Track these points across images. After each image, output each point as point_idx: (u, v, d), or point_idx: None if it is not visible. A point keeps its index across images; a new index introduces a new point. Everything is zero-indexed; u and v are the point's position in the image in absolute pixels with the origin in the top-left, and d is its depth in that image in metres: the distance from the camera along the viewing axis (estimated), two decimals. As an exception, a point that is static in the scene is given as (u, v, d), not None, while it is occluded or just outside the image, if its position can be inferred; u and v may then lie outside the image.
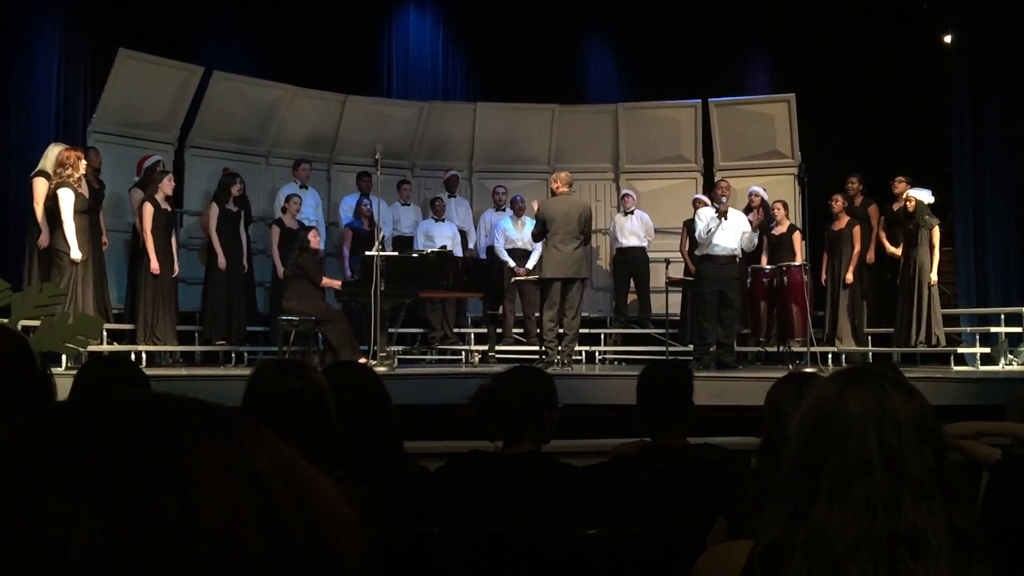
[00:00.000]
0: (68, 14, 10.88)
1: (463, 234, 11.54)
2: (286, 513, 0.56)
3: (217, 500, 0.54)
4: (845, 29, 12.36)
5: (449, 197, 11.67)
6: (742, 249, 9.42)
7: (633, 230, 11.42)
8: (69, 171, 8.18)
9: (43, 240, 8.33)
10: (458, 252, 10.81)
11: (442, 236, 10.95)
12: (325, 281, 9.33)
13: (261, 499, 0.55)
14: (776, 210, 10.43)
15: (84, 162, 8.43)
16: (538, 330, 10.10)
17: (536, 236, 9.35)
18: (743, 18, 13.02)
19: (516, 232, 10.96)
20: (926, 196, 9.77)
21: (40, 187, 8.35)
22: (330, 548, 0.57)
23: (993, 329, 10.00)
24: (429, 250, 9.89)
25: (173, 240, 9.47)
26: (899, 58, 12.19)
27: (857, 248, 10.26)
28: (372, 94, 12.63)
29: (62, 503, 0.51)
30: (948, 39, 11.66)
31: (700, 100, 12.11)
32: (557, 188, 9.16)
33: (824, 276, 10.46)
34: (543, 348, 9.06)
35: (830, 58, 12.34)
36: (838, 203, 10.34)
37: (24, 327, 6.44)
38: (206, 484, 0.54)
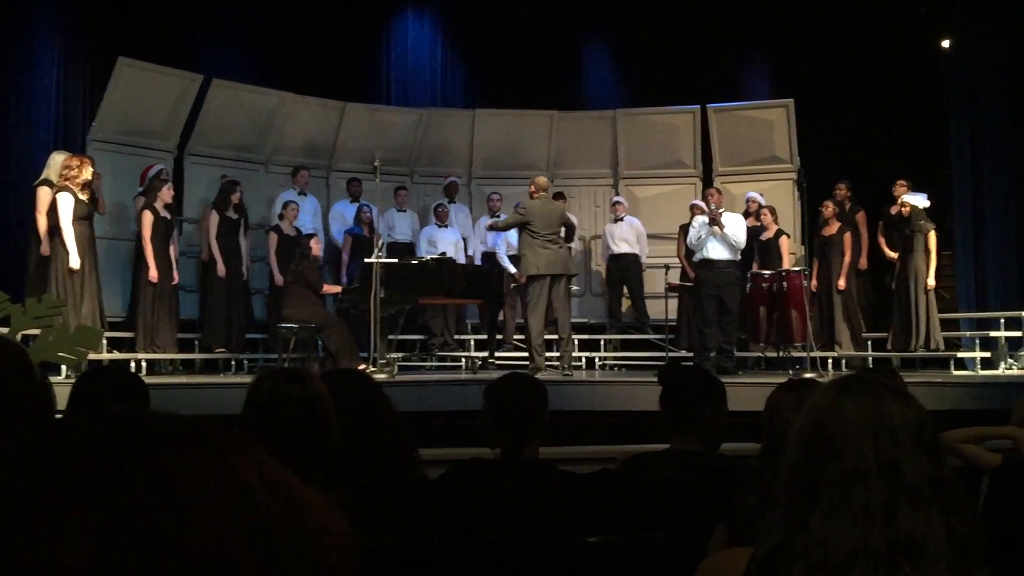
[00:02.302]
0: (67, 22, 10.90)
1: (465, 240, 11.54)
2: (275, 529, 0.56)
3: (206, 517, 0.54)
4: (844, 35, 12.38)
5: (449, 203, 11.68)
6: (739, 251, 9.41)
7: (624, 236, 11.45)
8: (75, 172, 8.17)
9: (45, 248, 8.31)
10: (460, 259, 10.82)
11: (445, 242, 10.97)
12: (326, 288, 9.33)
13: (250, 515, 0.55)
14: (764, 216, 10.44)
15: (91, 168, 8.42)
16: (521, 336, 10.07)
17: (506, 227, 9.43)
18: (742, 24, 13.05)
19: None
20: (921, 201, 9.78)
21: (44, 196, 8.33)
22: (320, 562, 0.57)
23: (993, 333, 9.99)
24: (429, 256, 9.89)
25: (172, 248, 9.46)
26: (898, 63, 12.21)
27: (848, 256, 10.27)
28: (371, 101, 12.65)
29: (52, 523, 0.51)
30: (946, 44, 11.68)
31: (699, 106, 12.13)
32: (534, 193, 9.20)
33: (815, 282, 10.41)
34: (531, 354, 9.01)
35: (829, 63, 12.37)
36: (828, 209, 10.37)
37: (23, 336, 6.43)
38: (195, 502, 0.54)
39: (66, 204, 8.09)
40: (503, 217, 11.40)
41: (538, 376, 8.23)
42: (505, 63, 13.18)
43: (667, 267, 10.56)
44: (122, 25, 11.11)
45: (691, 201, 11.19)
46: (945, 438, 3.61)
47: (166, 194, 9.35)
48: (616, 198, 11.81)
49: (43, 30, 10.70)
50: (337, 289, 9.51)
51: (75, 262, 8.11)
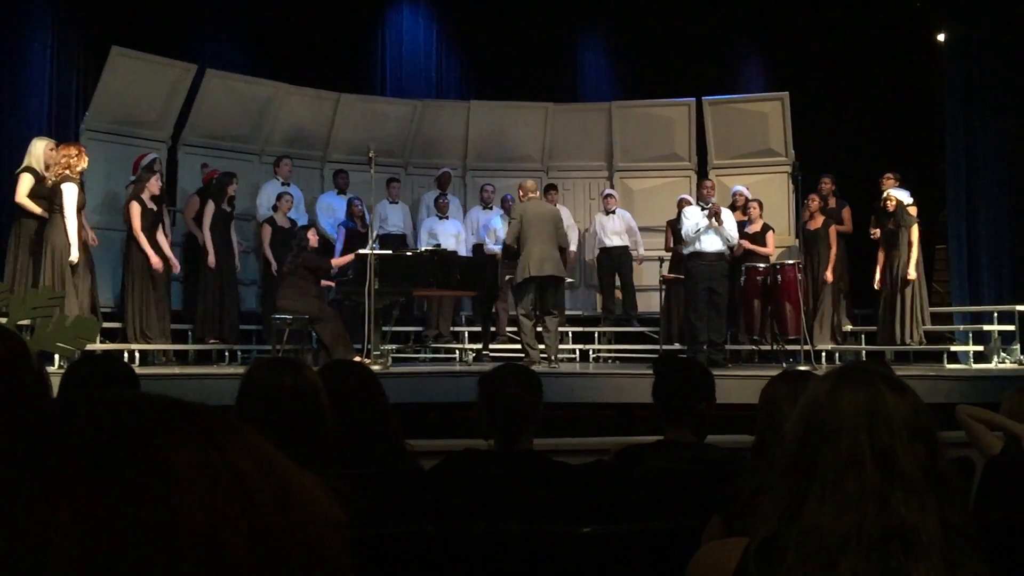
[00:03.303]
0: (61, 12, 10.85)
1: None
2: (268, 511, 0.55)
3: (198, 500, 0.53)
4: (839, 27, 12.38)
5: (444, 195, 11.66)
6: (729, 247, 9.46)
7: (616, 229, 11.47)
8: (75, 161, 8.13)
9: (63, 242, 8.23)
10: (462, 250, 10.85)
11: (447, 234, 10.97)
12: (335, 261, 9.34)
13: (242, 498, 0.55)
14: (752, 209, 10.47)
15: (87, 157, 8.40)
16: (514, 328, 10.10)
17: (510, 241, 9.16)
18: (737, 16, 13.05)
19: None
20: (904, 196, 9.83)
21: (24, 182, 8.26)
22: (313, 546, 0.57)
23: (986, 327, 10.01)
24: (422, 248, 9.90)
25: (161, 238, 9.41)
26: (893, 56, 12.22)
27: (834, 248, 10.31)
28: (365, 92, 12.62)
29: (42, 506, 0.51)
30: (941, 37, 11.68)
31: (694, 98, 12.12)
32: (524, 196, 9.21)
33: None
34: (524, 348, 9.05)
35: (824, 56, 12.37)
36: (814, 203, 10.41)
37: (19, 326, 6.43)
38: (187, 484, 0.54)
39: (71, 194, 8.05)
40: (496, 210, 11.45)
41: (533, 368, 8.27)
42: (500, 55, 13.17)
43: (661, 260, 10.56)
44: (116, 14, 11.07)
45: (679, 196, 11.19)
46: (959, 410, 3.68)
47: (154, 185, 9.29)
48: (608, 191, 11.82)
49: (36, 19, 10.66)
50: (349, 258, 9.43)
51: (74, 255, 8.08)
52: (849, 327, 10.76)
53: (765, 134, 11.93)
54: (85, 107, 10.42)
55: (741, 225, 10.35)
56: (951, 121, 11.26)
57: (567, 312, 11.42)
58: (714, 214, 9.16)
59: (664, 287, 10.56)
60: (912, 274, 9.68)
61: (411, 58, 13.51)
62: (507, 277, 10.58)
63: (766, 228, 10.40)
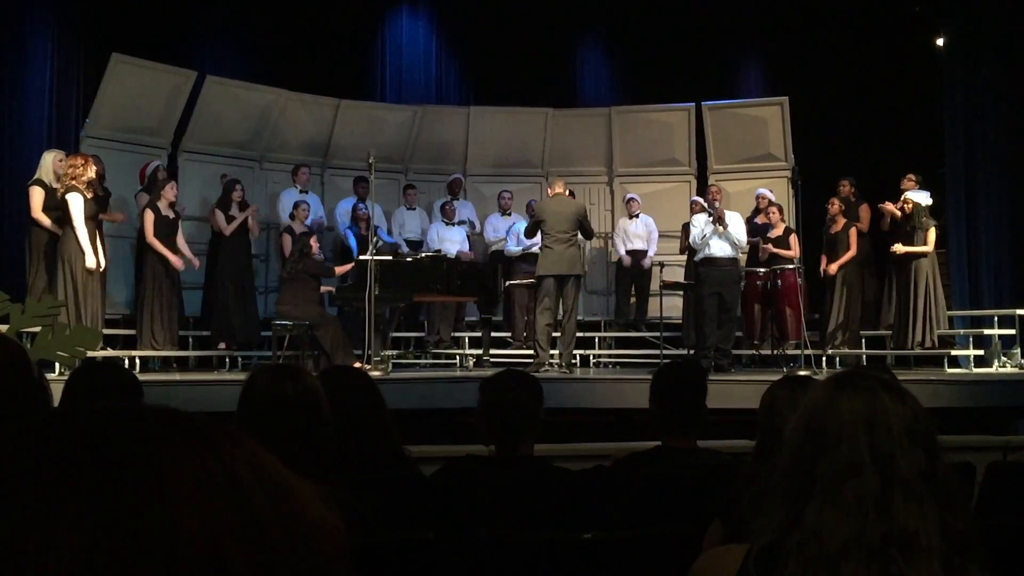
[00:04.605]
0: (61, 19, 10.88)
1: (469, 238, 11.52)
2: (267, 522, 0.55)
3: (197, 511, 0.53)
4: (838, 32, 12.39)
5: (454, 200, 11.67)
6: (740, 250, 9.45)
7: (638, 233, 11.47)
8: (80, 171, 8.16)
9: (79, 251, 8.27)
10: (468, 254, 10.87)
11: (451, 240, 10.96)
12: (338, 269, 9.38)
13: (241, 509, 0.55)
14: (772, 213, 10.43)
15: (94, 166, 8.42)
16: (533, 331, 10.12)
17: (528, 233, 9.56)
18: (736, 21, 13.06)
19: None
20: (924, 198, 9.78)
21: (36, 196, 8.33)
22: (312, 556, 0.57)
23: (987, 331, 10.00)
24: (423, 254, 9.91)
25: (181, 242, 9.45)
26: (892, 61, 12.23)
27: (854, 249, 10.25)
28: (366, 98, 12.63)
29: (40, 519, 0.51)
30: (940, 42, 11.69)
31: (693, 103, 12.13)
32: (551, 191, 9.32)
33: (823, 277, 10.37)
34: (536, 351, 9.09)
35: (823, 61, 12.38)
36: (834, 206, 10.34)
37: (20, 333, 6.44)
38: (185, 495, 0.54)
39: (76, 204, 8.07)
40: (514, 216, 11.48)
41: (540, 372, 8.31)
42: (500, 60, 13.18)
43: (662, 264, 10.55)
44: (116, 21, 11.09)
45: (690, 198, 11.20)
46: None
47: (169, 192, 9.35)
48: (631, 195, 11.79)
49: (37, 26, 10.68)
50: (350, 265, 9.48)
51: (91, 262, 8.12)
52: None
53: (765, 139, 11.94)
54: (85, 114, 10.42)
55: (764, 229, 10.33)
56: (950, 125, 11.28)
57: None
58: (718, 219, 9.16)
59: (679, 293, 10.54)
60: (899, 248, 9.60)
61: (411, 64, 13.52)
62: (507, 283, 10.60)
63: (788, 231, 10.31)
